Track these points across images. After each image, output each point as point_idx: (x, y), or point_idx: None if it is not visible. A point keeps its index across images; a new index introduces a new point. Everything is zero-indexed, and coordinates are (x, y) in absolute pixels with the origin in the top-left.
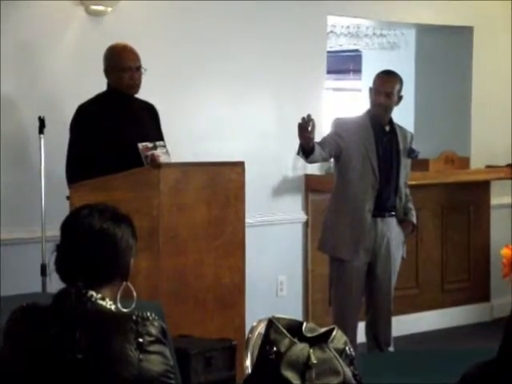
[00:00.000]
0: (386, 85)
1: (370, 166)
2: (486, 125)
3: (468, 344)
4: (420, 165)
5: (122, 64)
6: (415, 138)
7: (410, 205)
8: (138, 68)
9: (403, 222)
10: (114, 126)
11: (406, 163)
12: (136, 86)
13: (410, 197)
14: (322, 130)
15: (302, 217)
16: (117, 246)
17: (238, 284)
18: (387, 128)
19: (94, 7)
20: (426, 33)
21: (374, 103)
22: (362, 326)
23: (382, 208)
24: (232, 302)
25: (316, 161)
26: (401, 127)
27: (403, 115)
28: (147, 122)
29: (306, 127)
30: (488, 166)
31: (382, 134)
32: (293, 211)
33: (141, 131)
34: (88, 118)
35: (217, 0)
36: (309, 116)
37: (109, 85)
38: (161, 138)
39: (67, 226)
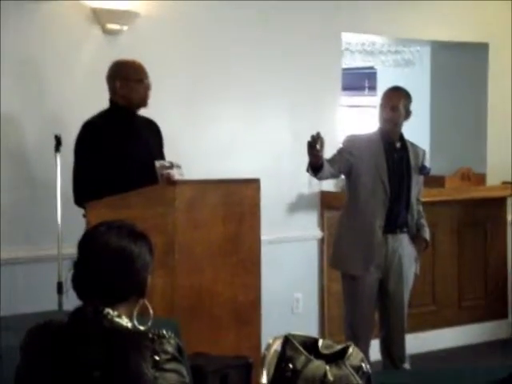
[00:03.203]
0: (392, 99)
1: (381, 182)
2: (502, 141)
3: (486, 361)
4: (436, 181)
5: (136, 75)
6: (431, 155)
7: (423, 221)
8: (147, 83)
9: (416, 238)
10: (119, 141)
11: (417, 180)
12: (147, 99)
13: (423, 213)
14: (337, 146)
15: (318, 233)
16: (134, 263)
17: (254, 301)
18: (398, 144)
19: (109, 26)
20: (441, 49)
21: (381, 118)
22: (377, 344)
23: (393, 224)
24: (248, 319)
25: (325, 177)
26: (412, 144)
27: (419, 132)
28: (150, 137)
29: (314, 145)
30: (504, 183)
31: (392, 151)
32: (308, 228)
33: (144, 147)
34: (93, 134)
35: (231, 20)
36: (318, 134)
37: (112, 100)
38: (162, 154)
39: (84, 243)
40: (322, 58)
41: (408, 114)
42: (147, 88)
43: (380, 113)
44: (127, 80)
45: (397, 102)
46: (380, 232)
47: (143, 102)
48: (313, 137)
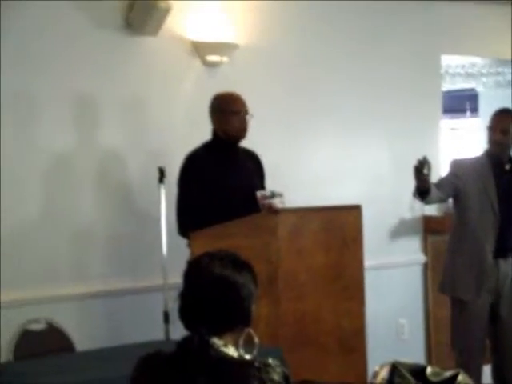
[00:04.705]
0: (502, 122)
1: (490, 205)
2: None
3: None
4: None
5: (231, 108)
6: None
7: None
8: (246, 112)
9: None
10: (220, 172)
11: None
12: (244, 130)
13: None
14: (439, 170)
15: (421, 258)
16: (239, 292)
17: (359, 327)
18: (507, 167)
19: (209, 58)
20: None
21: (490, 141)
22: (488, 370)
23: (504, 248)
24: (353, 346)
25: (433, 202)
26: None
27: None
28: (251, 169)
29: (421, 169)
30: None
31: (501, 173)
32: (411, 253)
33: (246, 178)
34: (196, 165)
35: (329, 49)
36: (424, 158)
37: (214, 133)
38: (263, 185)
39: (189, 274)
40: (422, 81)
41: None
42: (243, 120)
43: (489, 135)
44: (222, 112)
45: (507, 124)
46: (491, 256)
47: (240, 134)
48: (420, 161)
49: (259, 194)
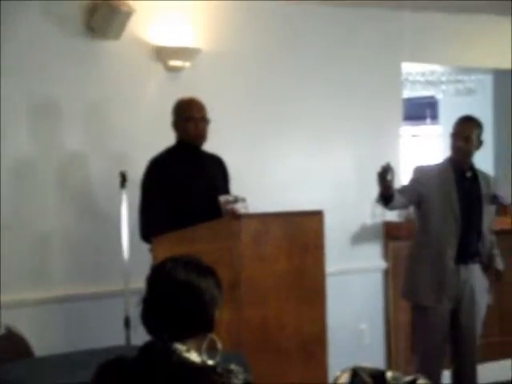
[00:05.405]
0: (465, 129)
1: (452, 211)
2: None
3: None
4: (500, 210)
5: (187, 114)
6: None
7: (495, 251)
8: (203, 118)
9: (488, 268)
10: (184, 177)
11: (489, 209)
12: (201, 136)
13: (496, 243)
14: (400, 176)
15: (382, 264)
16: (202, 298)
17: (320, 333)
18: (468, 174)
19: (172, 63)
20: (503, 77)
21: (453, 148)
22: (448, 375)
23: (464, 255)
24: (314, 351)
25: (396, 208)
26: (483, 173)
27: (482, 160)
28: (215, 174)
29: (385, 175)
30: None
31: (463, 180)
32: (372, 259)
33: (209, 182)
34: (159, 170)
35: (292, 55)
36: (388, 164)
37: (177, 138)
38: (227, 190)
39: (153, 279)
40: (382, 89)
41: (480, 143)
42: (199, 125)
43: (452, 142)
44: (179, 118)
45: (470, 132)
46: (452, 262)
47: (196, 139)
48: (383, 167)
49: (222, 198)
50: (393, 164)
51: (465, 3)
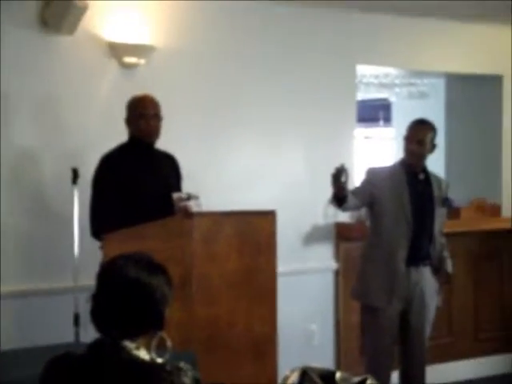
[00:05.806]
0: (418, 133)
1: (404, 213)
2: None
3: None
4: (451, 213)
5: (139, 111)
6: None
7: (446, 254)
8: (155, 115)
9: (438, 271)
10: (136, 174)
11: (441, 212)
12: (153, 133)
13: (446, 246)
14: (353, 177)
15: (333, 265)
16: (152, 295)
17: (270, 333)
18: (421, 176)
19: (126, 60)
20: (456, 81)
21: (406, 151)
22: (396, 376)
23: (415, 257)
24: (264, 350)
25: (349, 209)
26: (436, 176)
27: (434, 163)
28: (167, 171)
29: (339, 177)
30: None
31: (415, 183)
32: (324, 259)
33: (162, 180)
34: (111, 167)
35: (248, 54)
36: (342, 165)
37: (130, 135)
38: (180, 187)
39: (103, 276)
40: (337, 91)
41: (433, 147)
42: (150, 123)
43: (405, 145)
44: (131, 115)
45: (423, 135)
46: (403, 264)
47: (147, 136)
48: (337, 168)
49: (175, 195)
50: (347, 165)
51: (415, 5)
